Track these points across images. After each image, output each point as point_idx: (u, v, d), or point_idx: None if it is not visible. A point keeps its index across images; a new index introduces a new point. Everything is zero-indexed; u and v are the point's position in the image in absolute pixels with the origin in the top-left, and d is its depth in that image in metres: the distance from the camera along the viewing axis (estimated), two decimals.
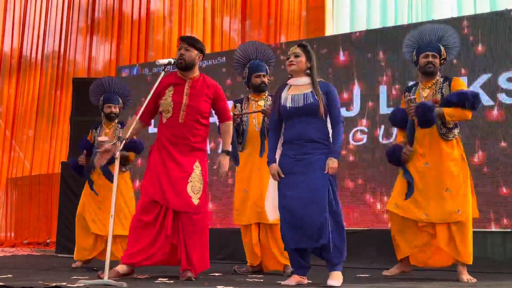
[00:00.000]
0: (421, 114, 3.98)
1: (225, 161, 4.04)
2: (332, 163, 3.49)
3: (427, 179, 4.11)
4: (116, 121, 5.20)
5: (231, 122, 4.20)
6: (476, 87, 5.69)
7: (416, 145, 4.18)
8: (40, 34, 11.24)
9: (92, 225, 5.00)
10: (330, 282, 3.40)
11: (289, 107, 3.61)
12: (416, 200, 4.10)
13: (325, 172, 3.47)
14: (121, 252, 4.62)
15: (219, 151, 4.47)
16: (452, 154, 4.11)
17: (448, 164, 4.08)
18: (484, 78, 5.77)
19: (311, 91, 3.60)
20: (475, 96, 4.05)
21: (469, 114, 4.09)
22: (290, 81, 3.72)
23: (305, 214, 3.44)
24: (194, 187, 3.94)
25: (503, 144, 5.55)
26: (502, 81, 5.70)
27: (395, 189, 4.30)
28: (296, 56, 3.67)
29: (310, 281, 3.59)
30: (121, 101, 5.20)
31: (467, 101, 4.00)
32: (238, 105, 4.78)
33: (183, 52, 3.99)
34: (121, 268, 3.83)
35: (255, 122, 4.64)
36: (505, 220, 5.41)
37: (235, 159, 4.59)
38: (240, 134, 4.67)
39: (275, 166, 3.63)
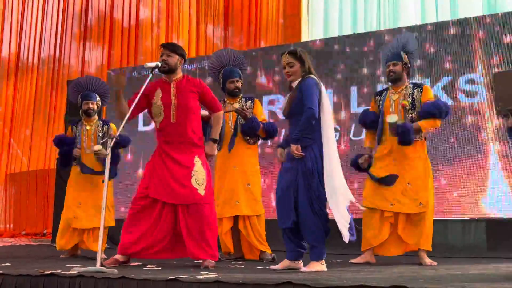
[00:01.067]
0: (401, 135, 4.08)
1: (211, 149, 4.02)
2: (291, 148, 3.44)
3: (392, 174, 4.19)
4: (97, 117, 5.06)
5: (222, 113, 4.16)
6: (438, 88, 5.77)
7: (386, 143, 4.27)
8: (36, 39, 11.15)
9: (75, 222, 4.86)
10: (303, 268, 3.40)
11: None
12: (383, 192, 4.19)
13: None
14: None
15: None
16: (416, 152, 4.21)
17: (412, 161, 4.19)
18: (445, 80, 5.84)
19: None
20: (448, 107, 4.22)
21: (439, 123, 4.23)
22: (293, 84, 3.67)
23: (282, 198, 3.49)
24: (198, 179, 3.89)
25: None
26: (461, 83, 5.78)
27: (365, 185, 4.39)
28: (291, 66, 3.59)
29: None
30: (98, 98, 5.08)
31: (442, 112, 4.14)
32: None
33: (165, 58, 3.96)
34: (119, 256, 3.85)
35: (230, 124, 4.64)
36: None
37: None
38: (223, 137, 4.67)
39: (280, 150, 3.68)
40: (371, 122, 4.41)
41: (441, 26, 6.04)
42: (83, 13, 10.77)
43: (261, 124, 4.61)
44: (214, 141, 4.07)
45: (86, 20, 10.72)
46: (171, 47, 4.02)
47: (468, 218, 5.47)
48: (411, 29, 6.07)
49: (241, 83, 4.77)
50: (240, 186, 4.52)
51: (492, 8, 7.10)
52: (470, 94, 5.71)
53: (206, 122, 4.34)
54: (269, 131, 4.66)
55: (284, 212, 3.46)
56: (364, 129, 4.71)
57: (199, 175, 3.89)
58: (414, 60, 4.55)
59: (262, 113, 4.80)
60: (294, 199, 3.43)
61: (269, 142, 6.12)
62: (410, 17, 7.62)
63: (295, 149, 3.41)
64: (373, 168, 4.30)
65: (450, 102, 5.63)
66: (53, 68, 10.86)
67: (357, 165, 4.40)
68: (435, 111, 4.12)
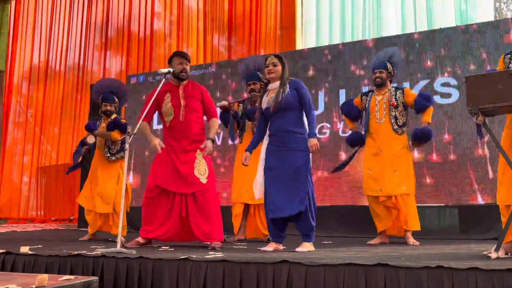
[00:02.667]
0: (424, 139, 4.25)
1: (210, 145, 3.99)
2: (311, 142, 3.43)
3: (381, 163, 4.32)
4: (113, 116, 5.00)
5: (217, 119, 4.16)
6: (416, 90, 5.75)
7: (372, 135, 4.42)
8: (63, 49, 11.13)
9: (91, 204, 4.82)
10: (298, 249, 3.40)
11: (265, 108, 3.62)
12: (374, 179, 4.33)
13: (309, 151, 3.45)
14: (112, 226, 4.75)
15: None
16: (400, 144, 4.34)
17: (397, 151, 4.32)
18: (423, 83, 5.84)
19: (281, 90, 3.56)
20: (430, 95, 4.37)
21: (432, 107, 4.38)
22: (269, 87, 3.69)
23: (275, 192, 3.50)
24: (200, 170, 3.92)
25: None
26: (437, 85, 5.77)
27: (364, 176, 4.46)
28: (275, 65, 3.63)
29: (285, 247, 3.60)
30: (117, 100, 5.03)
31: (431, 99, 4.32)
32: (241, 105, 4.84)
33: (185, 67, 4.01)
34: (141, 239, 3.93)
35: (254, 129, 4.63)
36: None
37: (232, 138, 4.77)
38: (240, 129, 4.77)
39: (247, 154, 3.68)
40: (354, 116, 4.62)
41: (419, 36, 6.03)
42: (104, 25, 10.75)
43: None
44: (212, 141, 4.07)
45: (106, 32, 10.70)
46: (188, 58, 4.08)
47: (443, 205, 5.47)
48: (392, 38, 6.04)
49: (261, 84, 4.66)
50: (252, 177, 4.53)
51: (464, 20, 7.08)
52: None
53: (226, 112, 4.47)
54: None
55: (282, 205, 3.43)
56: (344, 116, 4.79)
57: (200, 166, 3.93)
58: (397, 70, 4.64)
59: None
60: (288, 197, 3.41)
61: None
62: (392, 27, 7.60)
63: (315, 143, 3.43)
64: (365, 161, 4.44)
65: None
66: (78, 74, 10.84)
67: (351, 141, 4.51)
68: (427, 103, 4.28)
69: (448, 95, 5.69)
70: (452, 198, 5.44)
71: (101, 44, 10.74)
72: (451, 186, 5.48)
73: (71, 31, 11.10)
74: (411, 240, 4.21)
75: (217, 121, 4.15)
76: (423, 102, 4.27)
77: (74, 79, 10.87)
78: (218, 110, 4.32)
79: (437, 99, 5.73)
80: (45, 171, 10.71)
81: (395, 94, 4.41)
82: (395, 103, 4.35)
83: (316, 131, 3.53)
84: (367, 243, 4.30)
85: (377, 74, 4.47)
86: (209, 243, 3.82)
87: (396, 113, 4.36)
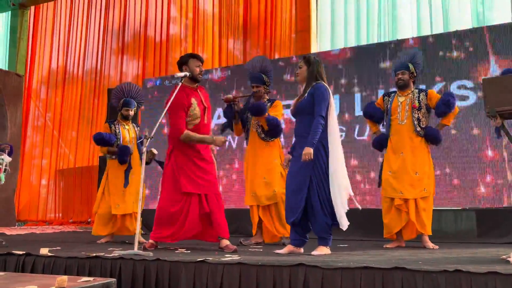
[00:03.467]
0: (432, 139, 4.28)
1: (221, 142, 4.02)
2: (304, 150, 3.36)
3: (402, 165, 4.27)
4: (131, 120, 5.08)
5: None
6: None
7: (394, 137, 4.37)
8: (81, 54, 11.25)
9: (115, 210, 4.75)
10: (314, 252, 3.38)
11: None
12: (393, 182, 4.26)
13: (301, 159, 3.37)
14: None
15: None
16: (421, 146, 4.30)
17: (418, 153, 4.28)
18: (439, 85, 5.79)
19: (303, 94, 3.57)
20: (454, 97, 4.30)
21: (456, 111, 4.35)
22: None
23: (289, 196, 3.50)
24: (217, 172, 4.10)
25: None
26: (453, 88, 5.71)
27: (383, 177, 4.39)
28: (300, 67, 3.63)
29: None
30: (136, 104, 5.10)
31: (451, 104, 4.25)
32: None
33: (202, 70, 4.04)
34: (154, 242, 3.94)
35: (258, 130, 4.60)
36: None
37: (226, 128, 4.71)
38: (246, 131, 4.73)
39: (288, 156, 3.77)
40: (378, 118, 4.57)
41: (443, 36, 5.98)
42: (120, 30, 10.85)
43: (267, 113, 4.46)
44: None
45: (123, 37, 10.80)
46: (202, 60, 4.09)
47: (460, 208, 5.40)
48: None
49: (265, 88, 4.63)
50: (259, 179, 4.51)
51: (481, 21, 7.00)
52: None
53: (229, 106, 4.43)
54: (272, 124, 4.47)
55: (292, 210, 3.44)
56: (366, 119, 4.73)
57: (216, 170, 4.08)
58: (419, 71, 4.58)
59: (279, 113, 4.61)
60: (306, 200, 3.40)
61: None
62: (407, 30, 7.55)
63: (308, 152, 3.34)
64: (386, 162, 4.38)
65: None
66: (95, 79, 10.95)
67: (378, 144, 4.51)
68: (446, 109, 4.25)
69: (465, 98, 5.63)
70: (469, 201, 5.37)
71: (118, 49, 10.84)
72: (468, 189, 5.42)
73: (89, 36, 11.22)
74: (430, 244, 4.14)
75: None
76: (442, 108, 4.24)
77: (92, 83, 10.98)
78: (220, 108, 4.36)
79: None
80: (63, 174, 10.83)
81: (419, 96, 4.36)
82: (417, 105, 4.31)
83: (315, 140, 3.39)
84: (384, 246, 4.26)
85: (399, 76, 4.42)
86: (223, 240, 3.82)
87: (419, 115, 4.31)
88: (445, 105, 4.24)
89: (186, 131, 3.84)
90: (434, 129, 4.32)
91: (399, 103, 4.40)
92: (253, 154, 4.62)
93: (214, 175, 3.98)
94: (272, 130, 4.53)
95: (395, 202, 4.24)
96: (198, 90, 4.04)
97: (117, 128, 4.95)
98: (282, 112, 4.78)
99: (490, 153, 5.38)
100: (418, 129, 4.29)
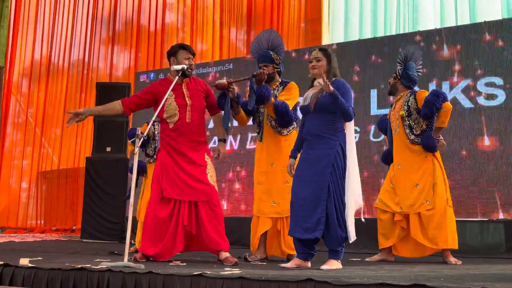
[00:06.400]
0: (425, 146, 4.22)
1: (224, 149, 4.07)
2: (331, 86, 3.33)
3: (399, 178, 4.30)
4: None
5: (221, 113, 4.13)
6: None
7: (393, 149, 4.42)
8: (67, 44, 11.29)
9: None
10: (323, 266, 3.35)
11: (301, 105, 3.59)
12: (392, 196, 4.31)
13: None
14: None
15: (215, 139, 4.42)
16: (418, 155, 4.26)
17: (417, 163, 4.25)
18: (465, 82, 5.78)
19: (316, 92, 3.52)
20: (437, 95, 4.16)
21: (446, 107, 4.19)
22: (315, 82, 3.64)
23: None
24: (212, 176, 3.95)
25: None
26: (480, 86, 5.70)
27: (383, 187, 4.49)
28: (318, 60, 3.60)
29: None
30: None
31: (435, 104, 4.12)
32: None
33: (192, 63, 4.00)
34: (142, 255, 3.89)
35: (272, 122, 4.18)
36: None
37: (226, 130, 4.18)
38: (257, 124, 4.31)
39: (291, 160, 3.64)
40: (386, 130, 4.61)
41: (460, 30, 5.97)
42: (111, 18, 10.88)
43: (272, 98, 4.03)
44: (224, 141, 4.11)
45: (114, 25, 10.83)
46: (194, 53, 4.07)
47: (487, 219, 5.38)
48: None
49: (274, 66, 4.25)
50: (279, 184, 4.10)
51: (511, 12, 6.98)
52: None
53: (223, 94, 4.03)
54: (278, 111, 4.02)
55: (306, 223, 3.36)
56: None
57: (212, 172, 3.96)
58: (412, 72, 4.41)
59: (292, 97, 4.18)
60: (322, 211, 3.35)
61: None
62: (429, 21, 7.53)
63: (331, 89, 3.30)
64: (388, 175, 4.45)
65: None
66: (82, 71, 10.98)
67: (385, 158, 4.56)
68: (425, 110, 4.16)
69: (493, 96, 5.61)
70: (497, 212, 5.35)
71: (108, 39, 10.87)
72: (495, 198, 5.39)
73: (76, 24, 11.26)
74: (452, 259, 4.10)
75: (221, 115, 4.13)
76: (424, 110, 4.17)
77: (78, 76, 11.01)
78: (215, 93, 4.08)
79: (480, 100, 5.66)
80: (45, 177, 10.85)
81: (408, 101, 4.32)
82: (403, 113, 4.28)
83: (344, 103, 3.35)
84: (365, 259, 4.34)
85: (389, 80, 4.54)
86: (222, 252, 3.80)
87: (410, 121, 4.28)
88: (426, 106, 4.16)
89: (116, 102, 3.97)
90: (428, 136, 4.22)
91: (393, 111, 4.45)
92: (268, 154, 4.19)
93: (205, 180, 3.87)
94: (279, 120, 4.10)
95: (395, 218, 4.27)
96: (186, 85, 3.99)
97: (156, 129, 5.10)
98: (297, 97, 4.25)
99: None
100: (412, 137, 4.26)
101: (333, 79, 3.56)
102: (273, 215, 4.10)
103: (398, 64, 4.47)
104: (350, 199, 3.37)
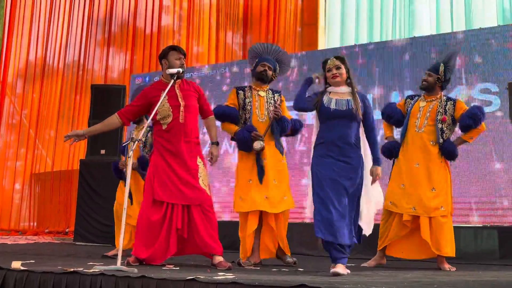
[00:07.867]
0: (447, 155, 4.25)
1: (217, 151, 4.07)
2: (376, 170, 3.53)
3: (417, 178, 4.23)
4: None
5: (213, 117, 4.21)
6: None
7: (409, 145, 4.31)
8: (62, 45, 11.25)
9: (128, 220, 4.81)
10: (334, 270, 3.30)
11: (333, 109, 3.53)
12: (406, 195, 4.22)
13: (372, 182, 3.54)
14: None
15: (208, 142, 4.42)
16: (437, 158, 4.24)
17: (435, 167, 4.22)
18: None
19: (352, 99, 3.55)
20: (482, 112, 4.24)
21: (482, 126, 4.28)
22: (330, 89, 3.64)
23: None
24: (204, 180, 3.95)
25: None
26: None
27: (389, 188, 4.38)
28: (338, 68, 3.60)
29: (302, 269, 3.56)
30: None
31: (477, 119, 4.19)
32: (241, 92, 4.43)
33: (183, 63, 4.01)
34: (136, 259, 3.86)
35: (258, 113, 4.35)
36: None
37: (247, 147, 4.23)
38: (244, 124, 4.35)
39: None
40: (396, 120, 4.49)
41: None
42: (107, 20, 10.87)
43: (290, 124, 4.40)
44: (217, 144, 4.12)
45: (110, 27, 10.81)
46: (184, 53, 4.09)
47: (480, 225, 5.40)
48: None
49: (273, 75, 4.47)
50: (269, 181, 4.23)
51: (507, 19, 7.02)
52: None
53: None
54: (297, 129, 4.53)
55: (346, 228, 3.39)
56: (383, 120, 4.66)
57: (204, 176, 3.96)
58: (449, 76, 4.43)
59: (286, 109, 4.51)
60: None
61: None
62: (425, 27, 7.57)
63: (379, 173, 3.53)
64: (397, 173, 4.33)
65: None
66: (77, 73, 10.95)
67: (388, 151, 4.44)
68: (470, 122, 4.19)
69: (488, 103, 5.64)
70: (491, 218, 5.37)
71: (104, 40, 10.85)
72: (489, 204, 5.41)
73: (71, 25, 11.23)
74: (446, 265, 4.12)
75: (214, 119, 4.21)
76: (467, 121, 4.20)
77: (73, 78, 10.98)
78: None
79: None
80: (39, 178, 10.80)
81: (445, 105, 4.30)
82: (446, 118, 4.25)
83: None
84: (362, 265, 4.31)
85: (425, 77, 4.39)
86: (216, 256, 3.80)
87: (444, 126, 4.26)
88: (471, 118, 4.18)
89: (113, 116, 3.97)
90: (452, 143, 4.25)
91: (420, 108, 4.34)
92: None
93: (197, 184, 3.87)
94: (295, 132, 4.59)
95: (403, 218, 4.21)
96: (178, 86, 4.00)
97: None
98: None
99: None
100: (441, 141, 4.23)
101: (355, 89, 3.62)
102: (264, 208, 4.14)
103: (442, 65, 4.33)
104: (371, 201, 3.59)
